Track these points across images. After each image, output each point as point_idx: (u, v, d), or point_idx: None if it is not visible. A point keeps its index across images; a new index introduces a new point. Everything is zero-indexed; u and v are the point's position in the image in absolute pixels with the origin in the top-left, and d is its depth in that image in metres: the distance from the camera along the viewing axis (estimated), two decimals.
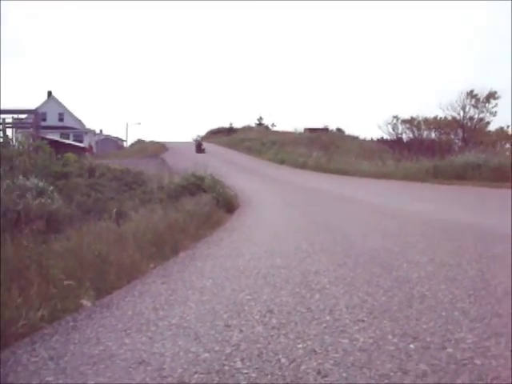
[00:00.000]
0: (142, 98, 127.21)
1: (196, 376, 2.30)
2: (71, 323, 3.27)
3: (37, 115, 24.68)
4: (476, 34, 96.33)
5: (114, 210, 7.53)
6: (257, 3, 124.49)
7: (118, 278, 4.49)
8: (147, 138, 55.29)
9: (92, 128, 57.45)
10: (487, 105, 48.08)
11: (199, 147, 39.99)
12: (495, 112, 48.34)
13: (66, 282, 3.76)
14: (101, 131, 60.28)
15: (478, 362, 2.30)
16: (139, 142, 55.37)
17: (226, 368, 2.37)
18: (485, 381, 2.11)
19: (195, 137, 44.60)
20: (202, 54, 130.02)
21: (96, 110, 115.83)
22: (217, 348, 2.64)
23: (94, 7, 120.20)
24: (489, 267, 4.25)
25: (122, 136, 62.98)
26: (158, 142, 49.59)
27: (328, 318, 3.06)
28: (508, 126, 51.16)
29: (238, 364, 2.41)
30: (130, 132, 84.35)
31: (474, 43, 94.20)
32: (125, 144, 60.62)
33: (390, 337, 2.67)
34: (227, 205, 11.61)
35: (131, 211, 8.26)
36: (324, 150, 36.97)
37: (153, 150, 42.13)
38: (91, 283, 4.09)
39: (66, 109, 59.53)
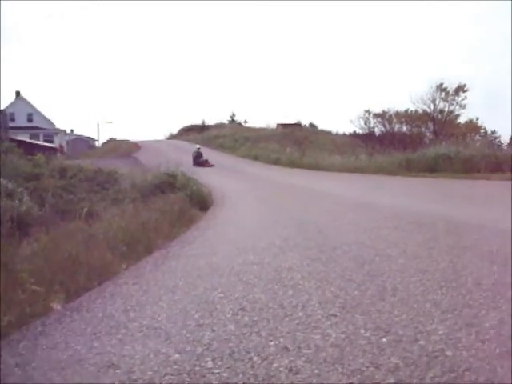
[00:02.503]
0: (113, 97, 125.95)
1: (166, 378, 2.26)
2: (39, 328, 3.20)
3: (4, 116, 24.28)
4: (444, 28, 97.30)
5: (85, 210, 7.42)
6: None
7: (88, 280, 4.42)
8: (119, 137, 54.67)
9: (62, 128, 56.68)
10: (456, 98, 48.86)
11: (198, 159, 29.78)
12: (464, 105, 49.18)
13: (33, 287, 3.67)
14: (72, 131, 59.61)
15: (449, 353, 2.30)
16: (111, 141, 54.73)
17: (197, 368, 2.33)
18: (456, 373, 2.11)
19: (195, 147, 32.29)
20: (173, 51, 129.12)
21: (66, 110, 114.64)
22: (188, 348, 2.60)
23: (62, 4, 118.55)
24: (460, 258, 4.28)
25: (93, 135, 62.25)
26: (130, 141, 49.12)
27: (300, 314, 3.04)
28: (477, 119, 52.06)
29: (210, 364, 2.38)
30: (102, 131, 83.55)
31: (442, 37, 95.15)
32: (97, 143, 59.94)
33: (362, 331, 2.66)
34: (201, 202, 11.55)
35: (103, 211, 8.17)
36: (297, 145, 37.11)
37: (125, 149, 41.76)
38: (61, 285, 4.02)
39: (36, 109, 58.66)
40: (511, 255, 4.12)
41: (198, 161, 29.43)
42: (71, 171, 14.18)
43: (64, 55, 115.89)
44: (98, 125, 59.83)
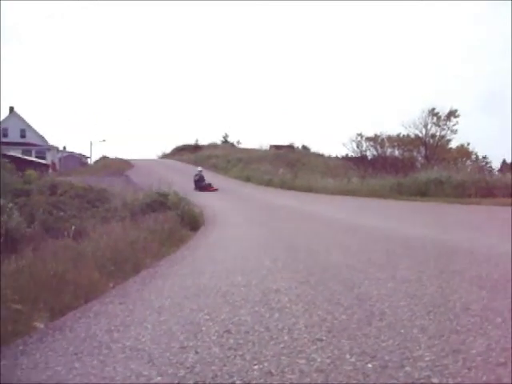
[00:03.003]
0: (106, 115, 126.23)
1: None
2: (21, 347, 3.14)
3: None
4: (437, 53, 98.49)
5: (73, 228, 7.36)
6: (219, 19, 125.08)
7: (74, 298, 4.37)
8: (112, 155, 54.59)
9: (55, 144, 56.53)
10: (448, 123, 49.29)
11: (201, 182, 27.74)
12: (456, 130, 49.57)
13: (14, 306, 3.61)
14: (64, 148, 59.44)
15: (435, 380, 2.26)
16: (104, 158, 54.64)
17: None
18: None
19: (197, 170, 29.64)
20: (167, 71, 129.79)
21: (60, 127, 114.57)
22: (170, 371, 2.55)
23: (55, 19, 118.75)
24: (449, 283, 4.25)
25: (86, 153, 62.18)
26: (122, 159, 49.09)
27: (286, 337, 3.00)
28: (468, 144, 52.45)
29: None
30: (95, 149, 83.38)
31: (435, 62, 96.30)
32: (89, 161, 59.84)
33: (347, 356, 2.61)
34: (192, 222, 11.54)
35: (92, 229, 8.11)
36: (290, 167, 37.21)
37: (117, 167, 41.68)
38: (45, 304, 3.97)
39: (29, 125, 58.50)
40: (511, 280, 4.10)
41: (201, 184, 27.37)
42: (62, 188, 14.11)
43: (59, 72, 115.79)
44: (90, 143, 59.75)
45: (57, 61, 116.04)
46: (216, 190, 26.56)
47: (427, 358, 2.53)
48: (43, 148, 54.00)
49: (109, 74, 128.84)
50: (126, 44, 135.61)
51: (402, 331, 3.00)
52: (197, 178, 27.94)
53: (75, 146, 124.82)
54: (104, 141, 66.06)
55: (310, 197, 21.54)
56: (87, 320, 3.76)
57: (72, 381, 2.49)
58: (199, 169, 29.80)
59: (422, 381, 2.26)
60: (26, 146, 50.90)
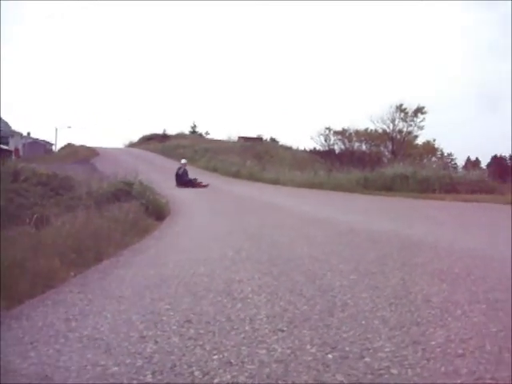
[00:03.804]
0: (72, 102, 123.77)
1: None
2: None
3: None
4: (406, 49, 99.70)
5: (35, 216, 7.20)
6: (189, 8, 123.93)
7: (32, 287, 4.26)
8: (78, 143, 53.59)
9: (19, 130, 55.34)
10: (415, 119, 50.04)
11: (185, 177, 23.16)
12: (423, 126, 50.38)
13: None
14: (28, 134, 58.16)
15: (394, 371, 2.27)
16: (69, 146, 53.63)
17: (135, 382, 2.24)
18: None
19: (181, 163, 24.35)
20: (135, 59, 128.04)
21: (24, 113, 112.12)
22: (128, 361, 2.50)
23: (20, 5, 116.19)
24: (411, 276, 4.29)
25: (51, 140, 60.97)
26: (88, 147, 48.31)
27: (247, 327, 2.98)
28: (434, 140, 53.36)
29: (149, 378, 2.29)
30: (60, 136, 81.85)
31: (403, 58, 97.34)
32: (54, 148, 58.73)
33: (308, 347, 2.61)
34: (157, 212, 11.39)
35: (55, 217, 7.95)
36: (257, 159, 37.19)
37: (83, 155, 41.04)
38: (3, 292, 3.86)
39: None
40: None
41: (184, 180, 22.68)
42: (24, 175, 13.78)
43: (24, 56, 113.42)
44: (56, 129, 58.57)
45: (21, 43, 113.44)
46: (206, 186, 21.95)
47: (387, 349, 2.54)
48: (6, 134, 52.78)
49: (76, 60, 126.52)
50: (94, 29, 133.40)
51: (364, 322, 3.00)
52: (180, 171, 23.26)
53: (40, 133, 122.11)
54: (70, 128, 64.71)
55: (277, 189, 21.54)
56: (45, 309, 3.68)
57: (26, 370, 2.42)
58: (183, 161, 24.75)
59: (382, 371, 2.27)
60: None
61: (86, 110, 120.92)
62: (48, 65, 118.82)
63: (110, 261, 5.87)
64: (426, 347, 2.55)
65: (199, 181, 22.61)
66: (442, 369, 2.28)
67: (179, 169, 23.52)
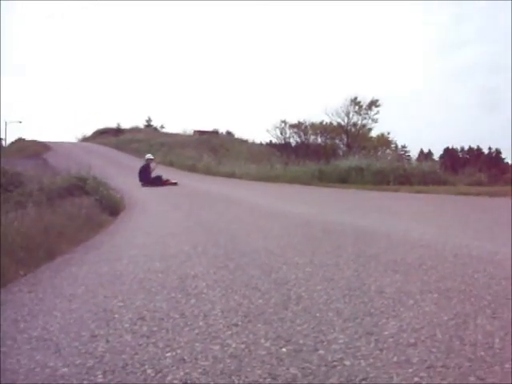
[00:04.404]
0: (23, 95, 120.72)
1: None
2: None
3: None
4: (361, 43, 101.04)
5: None
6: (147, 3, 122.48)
7: None
8: (28, 137, 52.29)
9: None
10: (369, 112, 50.79)
11: (147, 175, 20.56)
12: (377, 119, 51.22)
13: None
14: None
15: (347, 362, 2.28)
16: (20, 140, 52.30)
17: (85, 383, 2.18)
18: (353, 381, 2.08)
19: (146, 158, 21.85)
20: (87, 51, 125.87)
21: None
22: (78, 361, 2.43)
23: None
24: (365, 267, 4.33)
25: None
26: (40, 142, 47.22)
27: (201, 323, 2.94)
28: (388, 133, 54.31)
29: (100, 378, 2.23)
30: (10, 130, 79.46)
31: (358, 51, 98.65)
32: (3, 143, 57.13)
33: (262, 341, 2.59)
34: (111, 207, 11.24)
35: (3, 214, 7.73)
36: (213, 152, 37.16)
37: (34, 150, 40.12)
38: None
39: None
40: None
41: (150, 177, 20.38)
42: None
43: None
44: (5, 123, 56.92)
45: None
46: (175, 184, 20.03)
47: (341, 341, 2.55)
48: None
49: (25, 52, 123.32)
50: (49, 18, 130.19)
51: (318, 315, 3.01)
52: (145, 167, 20.94)
53: None
54: (20, 122, 63.15)
55: (234, 182, 21.54)
56: None
57: None
58: (148, 156, 22.20)
59: (335, 363, 2.27)
60: None
61: (37, 103, 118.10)
62: None
63: (63, 258, 5.74)
64: (378, 338, 2.57)
65: (166, 178, 20.43)
66: (395, 358, 2.31)
67: (144, 165, 21.03)
